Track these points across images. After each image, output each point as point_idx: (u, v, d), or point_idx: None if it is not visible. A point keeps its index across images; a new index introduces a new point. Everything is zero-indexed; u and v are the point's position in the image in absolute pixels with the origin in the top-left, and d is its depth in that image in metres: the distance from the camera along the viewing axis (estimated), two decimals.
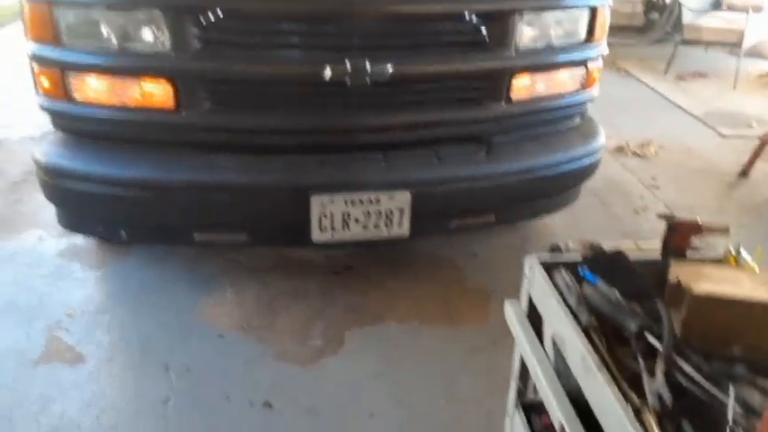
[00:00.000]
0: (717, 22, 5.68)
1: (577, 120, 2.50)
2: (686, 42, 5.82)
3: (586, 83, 2.37)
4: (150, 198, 2.03)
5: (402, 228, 2.10)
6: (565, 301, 1.08)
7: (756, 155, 3.73)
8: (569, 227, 3.03)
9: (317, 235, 2.06)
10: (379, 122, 2.09)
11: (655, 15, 7.01)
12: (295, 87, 2.01)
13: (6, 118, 4.15)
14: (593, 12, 2.25)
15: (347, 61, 1.91)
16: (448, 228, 2.35)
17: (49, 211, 2.78)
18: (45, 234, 2.80)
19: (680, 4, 5.84)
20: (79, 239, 2.70)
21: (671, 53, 5.86)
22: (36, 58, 1.97)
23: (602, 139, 2.49)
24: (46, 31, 1.90)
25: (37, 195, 2.98)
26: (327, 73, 1.90)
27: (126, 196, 2.02)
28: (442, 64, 2.07)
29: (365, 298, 2.45)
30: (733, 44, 5.50)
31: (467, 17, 2.03)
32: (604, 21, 2.31)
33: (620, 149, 4.07)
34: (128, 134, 2.04)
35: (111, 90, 1.96)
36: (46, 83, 1.99)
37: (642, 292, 1.04)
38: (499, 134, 2.27)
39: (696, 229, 1.13)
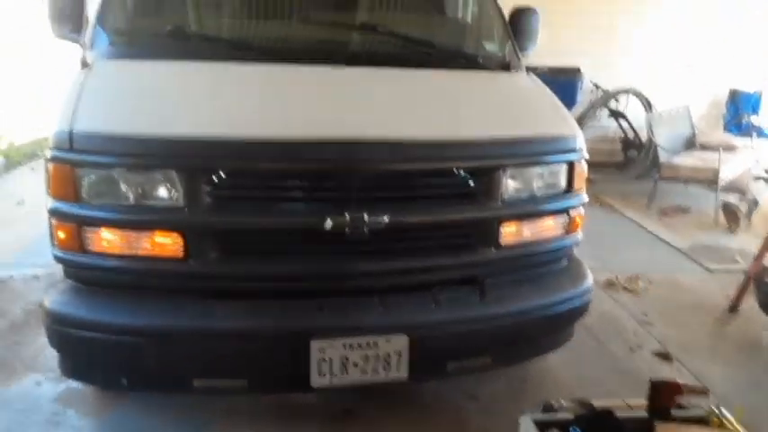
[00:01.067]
0: (692, 160, 6.04)
1: (564, 262, 2.63)
2: (665, 179, 6.14)
3: (570, 228, 2.52)
4: (153, 345, 2.08)
5: (400, 371, 2.14)
6: None
7: (744, 290, 3.83)
8: (567, 365, 3.06)
9: (316, 380, 2.09)
10: (375, 268, 2.20)
11: (633, 153, 7.41)
12: (297, 237, 2.14)
13: (8, 258, 4.24)
14: (571, 165, 2.45)
15: (346, 214, 2.05)
16: (446, 371, 2.38)
17: (48, 354, 2.83)
18: (43, 379, 2.80)
19: (654, 148, 6.22)
20: (77, 384, 2.69)
21: (651, 189, 6.15)
22: (55, 214, 2.10)
23: (590, 280, 2.60)
24: (67, 190, 2.05)
25: (38, 338, 3.05)
26: (328, 224, 2.05)
27: (130, 343, 2.07)
28: (434, 215, 2.23)
29: None
30: (710, 181, 5.80)
31: (456, 173, 2.22)
32: (582, 172, 2.50)
33: (610, 284, 4.17)
34: (136, 282, 2.14)
35: (125, 242, 2.08)
36: (62, 235, 2.11)
37: None
38: (491, 276, 2.38)
39: (677, 389, 1.19)
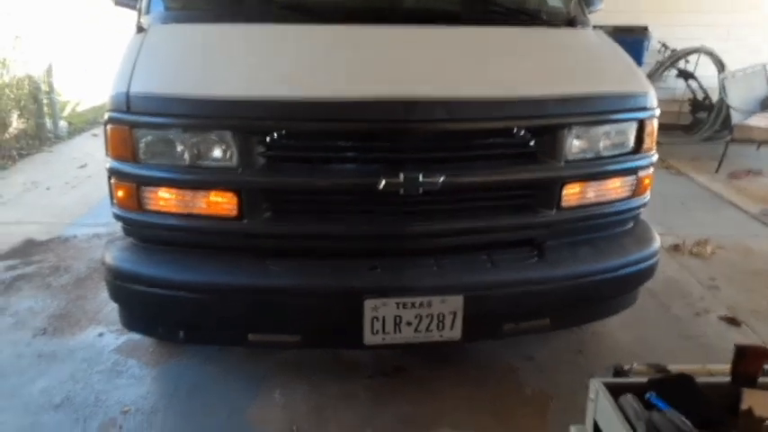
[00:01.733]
0: (766, 121, 5.68)
1: (630, 224, 2.50)
2: (736, 141, 5.81)
3: (637, 190, 2.38)
4: (210, 301, 2.10)
5: (454, 331, 2.10)
6: (633, 428, 1.05)
7: None
8: (628, 328, 2.96)
9: (368, 338, 2.07)
10: (430, 229, 2.15)
11: (702, 114, 7.04)
12: (350, 197, 2.10)
13: (73, 218, 4.40)
14: (641, 124, 2.30)
15: (401, 174, 2.00)
16: (501, 332, 2.33)
17: (110, 308, 2.92)
18: (105, 330, 2.90)
19: (727, 105, 5.87)
20: (137, 336, 2.78)
21: (721, 152, 5.83)
22: (115, 173, 2.13)
23: (656, 244, 2.47)
24: (125, 150, 2.06)
25: (100, 293, 3.16)
26: (382, 184, 1.99)
27: (188, 299, 2.10)
28: (492, 176, 2.14)
29: (416, 405, 2.40)
30: None
31: (516, 132, 2.11)
32: (653, 131, 2.35)
33: (676, 248, 4.00)
34: (192, 241, 2.15)
35: (181, 202, 2.09)
36: (121, 195, 2.13)
37: (713, 420, 1.00)
38: (551, 239, 2.29)
39: (765, 355, 1.10)
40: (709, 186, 5.43)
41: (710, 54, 6.68)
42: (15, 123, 6.32)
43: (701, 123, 6.99)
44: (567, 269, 2.25)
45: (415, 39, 2.38)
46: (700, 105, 7.06)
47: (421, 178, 2.00)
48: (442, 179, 2.02)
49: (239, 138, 2.00)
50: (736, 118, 5.66)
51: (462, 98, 2.05)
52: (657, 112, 2.35)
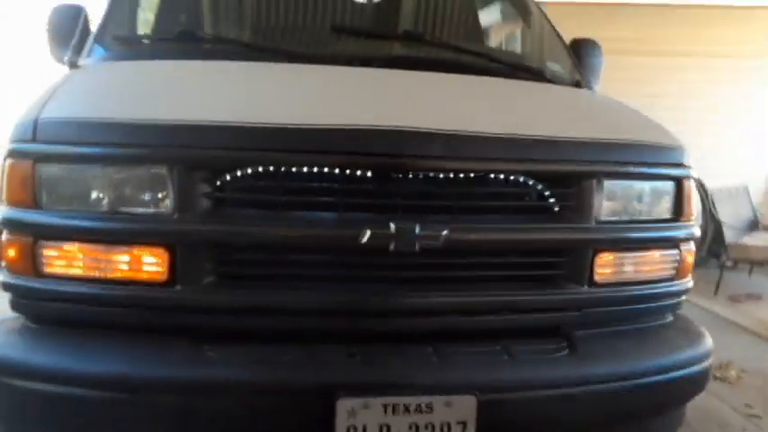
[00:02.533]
0: (761, 241, 5.42)
1: (670, 317, 2.00)
2: (732, 261, 5.52)
3: (680, 269, 1.92)
4: (121, 403, 1.48)
5: None
6: None
7: None
8: None
9: None
10: (428, 304, 1.61)
11: (702, 252, 6.82)
12: (323, 257, 1.58)
13: None
14: (679, 185, 1.89)
15: (391, 224, 1.51)
16: None
17: None
18: None
19: (719, 225, 5.64)
20: None
21: (716, 276, 5.52)
22: (7, 224, 1.59)
23: (709, 341, 1.95)
24: (24, 192, 1.55)
25: None
26: (366, 236, 1.49)
27: (91, 401, 1.48)
28: (507, 233, 1.66)
29: None
30: None
31: (534, 179, 1.67)
32: (691, 196, 1.94)
33: None
34: (104, 319, 1.57)
35: (90, 261, 1.55)
36: (13, 254, 1.58)
37: None
38: (582, 326, 1.76)
39: None
40: (711, 309, 5.00)
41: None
42: None
43: (706, 259, 6.74)
44: (608, 366, 1.70)
45: (406, 79, 2.00)
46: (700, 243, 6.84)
47: (418, 230, 1.51)
48: (444, 233, 1.53)
49: (178, 173, 1.50)
50: (730, 237, 5.39)
51: (468, 133, 1.62)
52: (695, 174, 1.95)
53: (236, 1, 2.52)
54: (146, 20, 2.49)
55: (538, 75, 2.35)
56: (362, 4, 2.50)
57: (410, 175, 1.58)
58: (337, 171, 1.55)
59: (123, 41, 2.20)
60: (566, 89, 2.33)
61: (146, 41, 2.29)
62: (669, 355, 1.81)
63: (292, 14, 2.41)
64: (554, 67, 2.56)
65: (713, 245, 6.09)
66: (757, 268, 5.88)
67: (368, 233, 1.49)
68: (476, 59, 2.26)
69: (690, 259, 1.96)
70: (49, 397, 1.50)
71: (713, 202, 5.59)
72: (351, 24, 2.41)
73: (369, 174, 1.56)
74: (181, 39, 2.16)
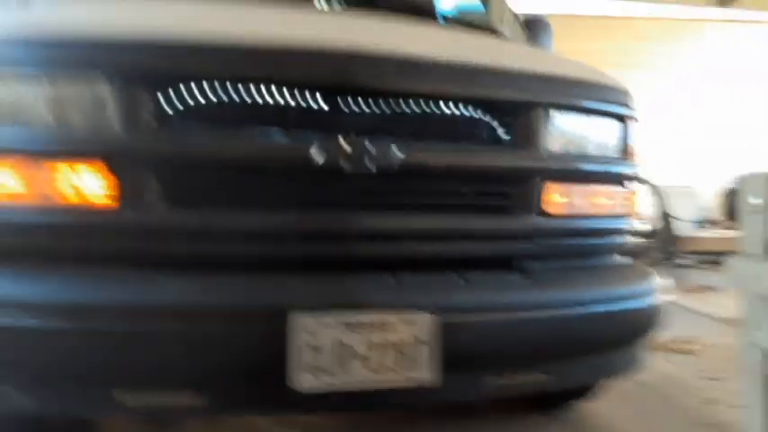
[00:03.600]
0: (712, 234, 5.60)
1: (617, 258, 2.04)
2: (682, 257, 5.68)
3: (628, 207, 1.97)
4: (68, 332, 1.41)
5: (425, 369, 1.47)
6: None
7: None
8: (635, 422, 2.44)
9: (300, 380, 1.40)
10: (384, 226, 1.59)
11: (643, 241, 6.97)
12: (274, 177, 1.55)
13: None
14: (624, 124, 1.95)
15: (341, 139, 1.50)
16: (486, 387, 1.69)
17: None
18: None
19: (669, 223, 5.81)
20: None
21: (668, 273, 5.66)
22: None
23: (658, 279, 2.00)
24: None
25: None
26: (319, 155, 1.48)
27: (29, 330, 1.40)
28: (460, 157, 1.67)
29: None
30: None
31: (484, 107, 1.70)
32: (637, 138, 2.00)
33: (663, 346, 3.53)
34: (46, 245, 1.50)
35: (29, 184, 1.47)
36: None
37: None
38: (535, 259, 1.78)
39: None
40: (669, 299, 5.11)
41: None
42: None
43: (645, 250, 6.88)
44: (559, 292, 1.72)
45: (353, 16, 2.01)
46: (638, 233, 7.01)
47: (369, 148, 1.51)
48: (399, 153, 1.53)
49: (118, 88, 1.45)
50: (682, 230, 5.55)
51: (419, 57, 1.63)
52: (638, 117, 2.02)
53: None
54: None
55: (489, 31, 2.41)
56: None
57: (360, 98, 1.59)
58: (287, 91, 1.54)
59: None
60: (516, 43, 2.39)
61: None
62: (621, 286, 1.84)
63: None
64: (505, 29, 2.62)
65: (666, 243, 6.27)
66: (706, 265, 6.06)
67: (317, 150, 1.48)
68: (428, 14, 2.30)
69: (633, 198, 2.01)
70: None
71: (662, 199, 5.78)
72: None
73: (320, 95, 1.56)
74: None
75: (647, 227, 6.95)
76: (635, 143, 2.00)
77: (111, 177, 1.47)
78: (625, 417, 2.47)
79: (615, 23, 7.71)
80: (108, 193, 1.47)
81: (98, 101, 1.47)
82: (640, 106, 2.02)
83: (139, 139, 1.48)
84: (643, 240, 7.03)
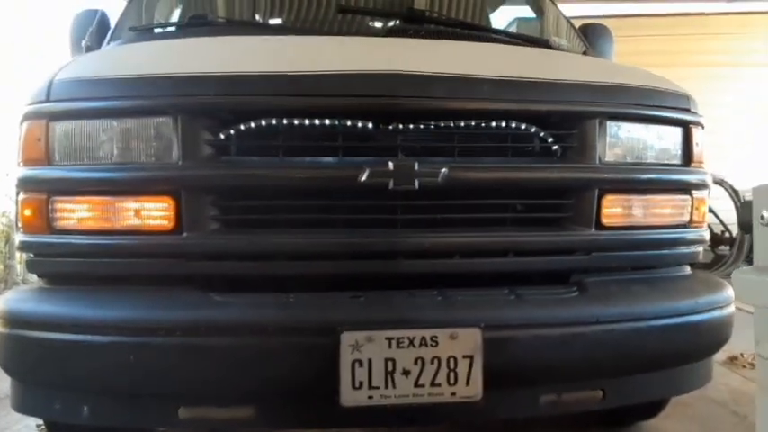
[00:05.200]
0: None
1: (687, 269, 1.95)
2: None
3: (693, 216, 1.88)
4: (127, 348, 1.50)
5: (471, 386, 1.46)
6: None
7: None
8: None
9: (348, 395, 1.43)
10: (431, 243, 1.60)
11: (723, 249, 6.63)
12: (325, 199, 1.61)
13: None
14: (687, 131, 1.87)
15: (390, 162, 1.53)
16: (537, 404, 1.66)
17: None
18: None
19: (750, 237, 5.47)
20: None
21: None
22: (23, 185, 1.66)
23: (731, 291, 1.89)
24: (38, 151, 1.62)
25: None
26: (365, 175, 1.51)
27: (97, 347, 1.50)
28: (507, 171, 1.66)
29: None
30: None
31: (533, 120, 1.68)
32: (702, 144, 1.91)
33: (733, 361, 3.36)
34: (114, 272, 1.62)
35: (99, 212, 1.60)
36: (29, 213, 1.64)
37: None
38: (593, 273, 1.73)
39: None
40: (747, 309, 4.82)
41: (721, 182, 6.42)
42: None
43: (724, 258, 6.54)
44: (619, 307, 1.66)
45: (406, 43, 2.04)
46: (719, 240, 6.66)
47: (417, 167, 1.53)
48: (444, 171, 1.54)
49: (181, 122, 1.55)
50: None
51: (465, 76, 1.64)
52: (703, 122, 1.93)
53: None
54: (160, 19, 2.60)
55: (541, 44, 2.37)
56: None
57: (408, 119, 1.61)
58: (336, 116, 1.58)
59: (136, 30, 2.29)
60: (570, 53, 2.34)
61: (158, 30, 2.39)
62: (685, 299, 1.75)
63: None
64: (561, 42, 2.58)
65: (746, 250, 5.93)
66: None
67: (366, 171, 1.51)
68: (479, 32, 2.30)
69: (702, 209, 1.92)
70: (63, 346, 1.53)
71: (746, 207, 5.46)
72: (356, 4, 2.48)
73: (368, 118, 1.59)
74: (191, 24, 2.25)
75: (725, 234, 6.61)
76: (700, 149, 1.91)
77: (173, 204, 1.56)
78: None
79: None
80: (169, 218, 1.56)
81: (162, 134, 1.57)
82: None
83: (198, 168, 1.56)
84: (721, 248, 6.70)
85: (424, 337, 1.45)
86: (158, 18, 2.60)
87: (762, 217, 1.06)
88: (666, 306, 1.71)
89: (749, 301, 1.36)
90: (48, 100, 1.61)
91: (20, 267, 6.31)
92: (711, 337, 1.82)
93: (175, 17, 2.64)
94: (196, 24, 2.23)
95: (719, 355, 2.60)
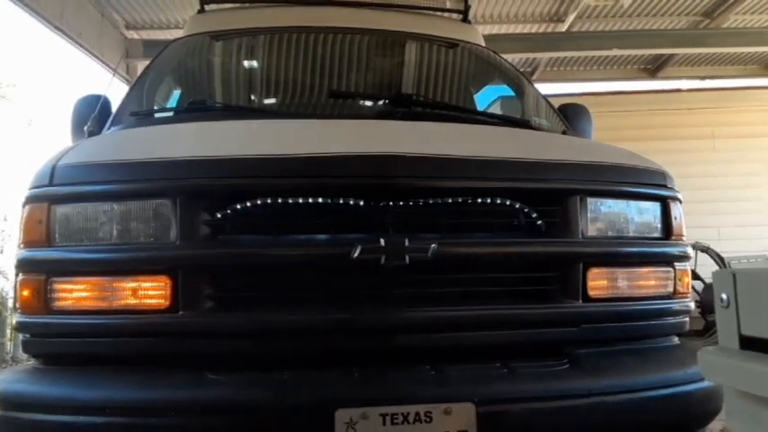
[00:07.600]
0: None
1: (675, 339, 1.99)
2: None
3: (678, 287, 1.93)
4: (123, 429, 1.50)
5: None
6: None
7: None
8: None
9: None
10: (422, 318, 1.64)
11: (713, 316, 6.64)
12: (318, 276, 1.65)
13: None
14: (665, 205, 1.95)
15: (381, 239, 1.58)
16: None
17: None
18: None
19: None
20: None
21: None
22: (22, 266, 1.70)
23: None
24: (39, 233, 1.66)
25: None
26: (357, 251, 1.56)
27: (90, 426, 1.50)
28: (494, 246, 1.73)
29: None
30: None
31: (517, 197, 1.75)
32: (680, 219, 1.98)
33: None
34: (110, 352, 1.63)
35: (96, 292, 1.63)
36: (27, 294, 1.67)
37: None
38: (583, 345, 1.76)
39: None
40: None
41: (707, 250, 6.53)
42: None
43: (714, 325, 6.54)
44: (611, 379, 1.68)
45: (396, 125, 2.13)
46: (709, 306, 6.69)
47: (407, 243, 1.58)
48: (433, 246, 1.60)
49: (180, 202, 1.61)
50: None
51: (452, 156, 1.72)
52: (680, 197, 2.01)
53: (245, 79, 2.76)
54: (160, 104, 2.72)
55: (523, 125, 2.49)
56: (358, 70, 2.72)
57: (399, 197, 1.68)
58: (330, 195, 1.65)
59: (137, 115, 2.40)
60: (550, 133, 2.45)
61: (159, 115, 2.50)
62: (675, 369, 1.78)
63: (290, 82, 2.64)
64: (541, 121, 2.70)
65: None
66: None
67: (359, 248, 1.56)
68: (462, 113, 2.42)
69: (686, 279, 1.98)
70: (57, 427, 1.52)
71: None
72: (347, 89, 2.61)
73: (361, 196, 1.66)
74: (190, 109, 2.36)
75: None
76: (679, 222, 1.99)
77: (170, 283, 1.59)
78: None
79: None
80: (166, 296, 1.59)
81: (160, 215, 1.63)
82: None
83: (193, 248, 1.61)
84: (712, 315, 6.73)
85: (418, 413, 1.47)
86: (159, 103, 2.70)
87: (721, 299, 1.12)
88: (657, 377, 1.73)
89: (715, 381, 1.39)
90: (51, 184, 1.67)
91: (10, 345, 6.24)
92: (703, 406, 1.83)
93: (175, 102, 2.75)
94: (195, 110, 2.33)
95: (715, 425, 2.57)
